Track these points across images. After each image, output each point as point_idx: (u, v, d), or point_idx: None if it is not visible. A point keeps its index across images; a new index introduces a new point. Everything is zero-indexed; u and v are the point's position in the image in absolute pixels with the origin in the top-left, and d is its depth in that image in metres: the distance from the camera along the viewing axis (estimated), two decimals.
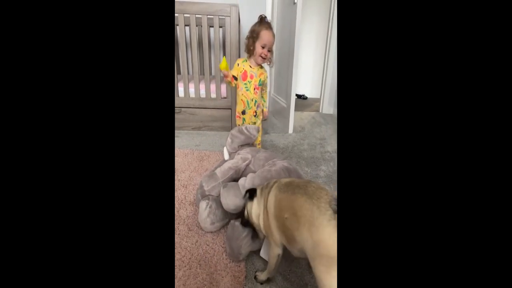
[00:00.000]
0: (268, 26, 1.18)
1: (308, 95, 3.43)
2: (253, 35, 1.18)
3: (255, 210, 0.67)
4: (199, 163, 1.30)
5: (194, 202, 0.97)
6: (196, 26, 1.71)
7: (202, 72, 2.20)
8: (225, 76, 1.19)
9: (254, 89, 1.22)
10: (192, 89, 1.77)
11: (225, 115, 1.82)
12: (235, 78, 1.23)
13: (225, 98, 1.78)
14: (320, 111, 2.58)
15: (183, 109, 1.79)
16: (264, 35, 1.16)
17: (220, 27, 2.03)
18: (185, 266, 0.69)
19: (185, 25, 1.86)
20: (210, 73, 2.08)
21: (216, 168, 0.97)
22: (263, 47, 1.17)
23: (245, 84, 1.22)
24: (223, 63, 1.15)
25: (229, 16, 1.62)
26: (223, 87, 1.78)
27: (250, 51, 1.20)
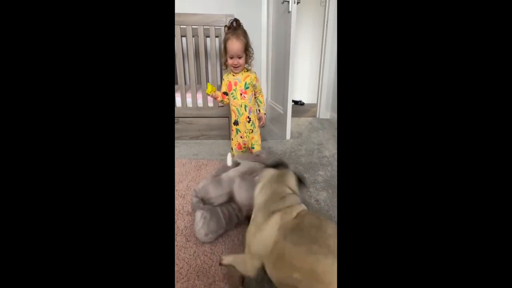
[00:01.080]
0: (233, 32, 1.13)
1: (305, 100, 3.45)
2: (224, 46, 1.16)
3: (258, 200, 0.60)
4: (197, 173, 1.30)
5: (192, 212, 0.97)
6: (193, 36, 1.74)
7: (199, 81, 2.23)
8: (215, 98, 1.23)
9: (241, 94, 1.22)
10: (189, 99, 1.79)
11: (223, 124, 1.83)
12: (226, 94, 1.24)
13: (222, 106, 1.79)
14: (317, 116, 2.60)
15: (180, 119, 1.80)
16: (229, 46, 1.13)
17: (216, 37, 2.06)
18: (183, 278, 0.69)
19: (182, 36, 1.89)
20: (207, 82, 2.10)
21: (221, 171, 0.96)
22: (231, 58, 1.15)
23: (232, 93, 1.23)
24: (208, 87, 1.17)
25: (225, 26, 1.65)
26: None
27: (226, 64, 1.21)
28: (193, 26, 1.66)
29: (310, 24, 3.23)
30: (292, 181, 0.66)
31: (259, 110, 1.31)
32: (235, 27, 1.14)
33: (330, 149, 1.68)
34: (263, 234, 0.54)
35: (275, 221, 0.54)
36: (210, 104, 1.79)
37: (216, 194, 0.86)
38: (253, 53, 1.21)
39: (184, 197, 1.07)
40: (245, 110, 1.24)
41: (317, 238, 0.47)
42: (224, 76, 1.25)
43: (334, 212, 1.00)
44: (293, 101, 3.31)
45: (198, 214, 0.81)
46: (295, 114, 2.68)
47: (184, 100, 1.77)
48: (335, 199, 1.09)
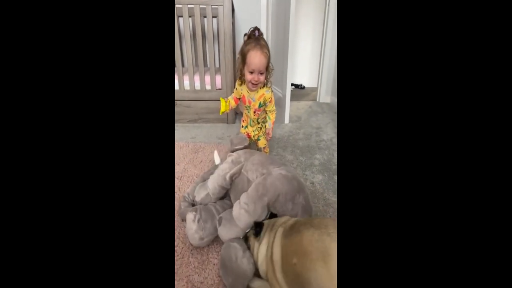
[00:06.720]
0: (256, 43, 0.98)
1: (306, 84, 3.40)
2: (242, 57, 1.02)
3: (262, 253, 0.59)
4: (194, 155, 1.31)
5: (189, 192, 0.98)
6: (189, 17, 1.68)
7: (196, 64, 2.19)
8: (232, 108, 1.18)
9: (255, 112, 1.18)
10: (187, 82, 1.76)
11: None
12: (239, 99, 1.19)
13: (220, 89, 1.77)
14: (317, 100, 2.57)
15: (178, 102, 1.79)
16: (251, 58, 0.98)
17: (214, 17, 2.00)
18: (178, 255, 0.71)
19: (178, 16, 1.83)
20: (205, 65, 2.06)
21: (209, 173, 0.94)
22: (251, 73, 1.01)
23: (246, 107, 1.19)
24: (222, 106, 1.14)
25: (222, 5, 1.59)
26: (218, 79, 1.77)
27: (242, 78, 1.09)
28: (189, 6, 1.61)
29: (312, 4, 3.11)
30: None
31: (266, 126, 1.22)
32: (257, 37, 1.00)
33: (329, 133, 1.68)
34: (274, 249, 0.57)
35: (278, 241, 0.58)
36: (208, 87, 1.77)
37: (199, 197, 0.83)
38: (273, 69, 1.08)
39: (180, 179, 1.09)
40: (257, 122, 1.24)
41: (304, 223, 0.54)
42: (237, 85, 1.15)
43: (328, 194, 1.01)
44: (293, 84, 3.26)
45: (190, 216, 0.74)
46: (295, 98, 2.65)
47: (182, 83, 1.75)
48: (331, 182, 1.10)
